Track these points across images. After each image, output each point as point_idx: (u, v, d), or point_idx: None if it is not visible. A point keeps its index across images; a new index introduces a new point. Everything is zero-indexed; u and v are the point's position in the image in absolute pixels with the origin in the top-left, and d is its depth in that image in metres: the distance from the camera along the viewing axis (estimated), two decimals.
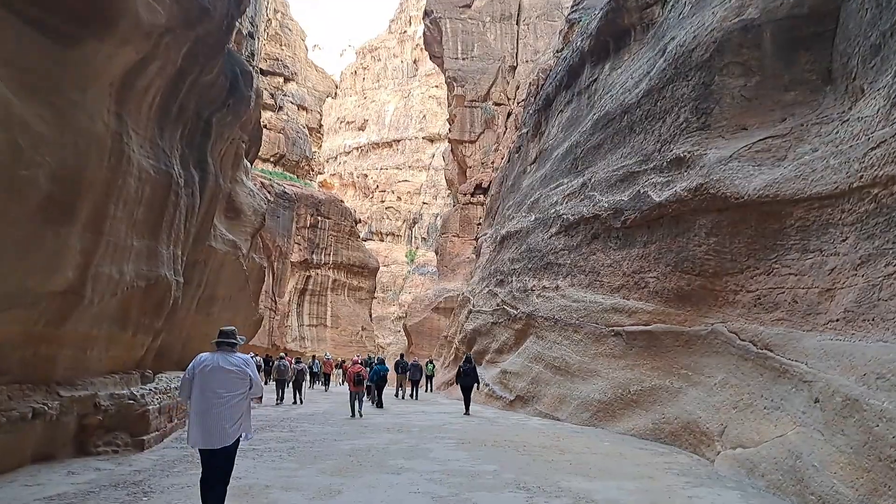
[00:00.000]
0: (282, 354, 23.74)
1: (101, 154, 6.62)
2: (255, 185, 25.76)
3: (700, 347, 9.50)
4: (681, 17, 12.80)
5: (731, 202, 8.91)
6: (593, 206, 14.03)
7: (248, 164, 18.47)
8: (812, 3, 9.19)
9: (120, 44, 6.40)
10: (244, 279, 17.05)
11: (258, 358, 24.31)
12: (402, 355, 27.02)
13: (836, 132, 7.61)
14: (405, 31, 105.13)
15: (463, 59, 42.34)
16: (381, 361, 17.66)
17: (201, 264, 14.98)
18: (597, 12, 20.84)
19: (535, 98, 29.65)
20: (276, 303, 41.22)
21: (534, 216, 19.07)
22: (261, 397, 20.22)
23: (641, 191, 11.78)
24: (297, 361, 22.55)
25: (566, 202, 16.27)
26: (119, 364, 9.26)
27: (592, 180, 14.81)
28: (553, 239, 16.25)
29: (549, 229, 16.81)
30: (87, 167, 6.37)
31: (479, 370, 17.08)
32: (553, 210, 16.96)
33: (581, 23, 25.83)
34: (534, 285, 16.68)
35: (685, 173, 10.36)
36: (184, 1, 7.25)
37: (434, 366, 25.70)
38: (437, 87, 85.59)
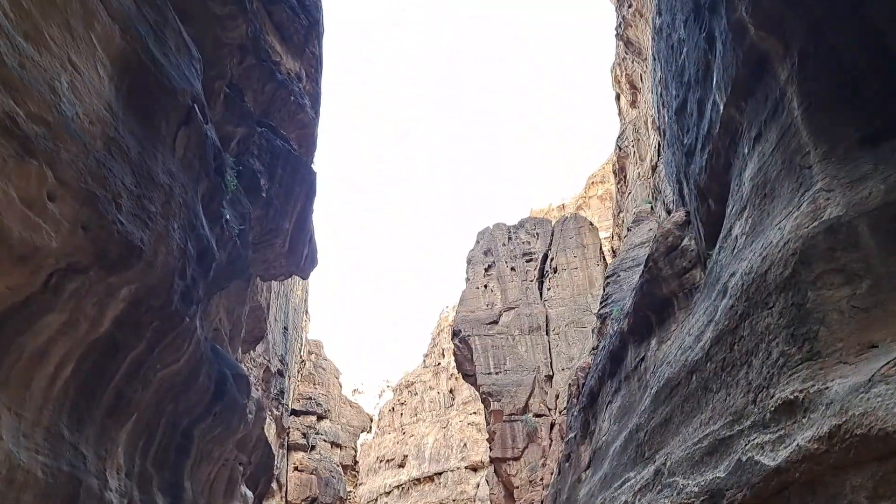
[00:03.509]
0: None
1: None
2: None
3: None
4: (735, 252, 11.00)
5: None
6: (678, 495, 10.76)
7: (249, 492, 15.54)
8: None
9: None
10: None
11: None
12: None
13: None
14: (439, 364, 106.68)
15: (496, 373, 40.96)
16: None
17: None
18: (630, 292, 19.50)
19: (577, 398, 27.27)
20: None
21: None
22: None
23: (743, 458, 8.75)
24: None
25: (639, 500, 12.88)
26: None
27: (668, 464, 11.70)
28: None
29: None
30: None
31: None
32: None
33: (613, 314, 24.59)
34: None
35: (805, 419, 7.50)
36: (94, 227, 5.42)
37: None
38: (475, 413, 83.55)
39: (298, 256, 15.89)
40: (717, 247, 12.21)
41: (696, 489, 9.93)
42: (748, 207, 10.57)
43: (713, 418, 10.12)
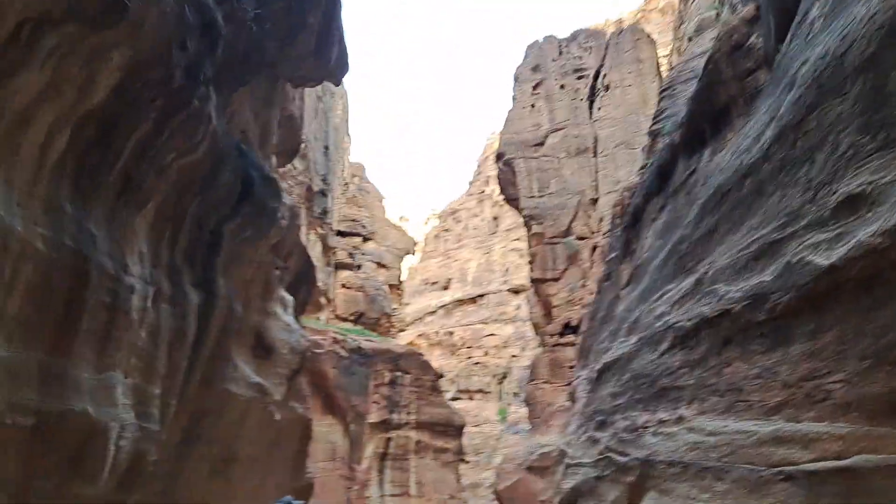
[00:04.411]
0: None
1: None
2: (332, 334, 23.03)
3: None
4: (809, 38, 9.72)
5: None
6: (718, 301, 10.35)
7: (288, 296, 15.84)
8: None
9: None
10: (276, 434, 13.77)
11: None
12: None
13: None
14: (483, 191, 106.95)
15: (539, 196, 40.43)
16: None
17: (213, 414, 11.91)
18: (686, 99, 18.24)
19: (620, 219, 26.76)
20: (353, 470, 37.28)
21: (635, 337, 15.32)
22: None
23: (793, 260, 8.14)
24: None
25: (676, 309, 12.58)
26: None
27: (710, 273, 11.23)
28: (665, 357, 12.41)
29: (657, 347, 13.03)
30: None
31: None
32: (660, 323, 13.27)
33: (665, 130, 23.31)
34: (646, 420, 12.63)
35: (870, 214, 6.76)
36: None
37: None
38: (517, 239, 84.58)
39: (327, 58, 14.90)
40: (789, 36, 10.87)
41: (739, 294, 9.48)
42: None
43: (764, 222, 9.44)
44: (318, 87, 39.39)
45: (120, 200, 7.14)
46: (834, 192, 7.67)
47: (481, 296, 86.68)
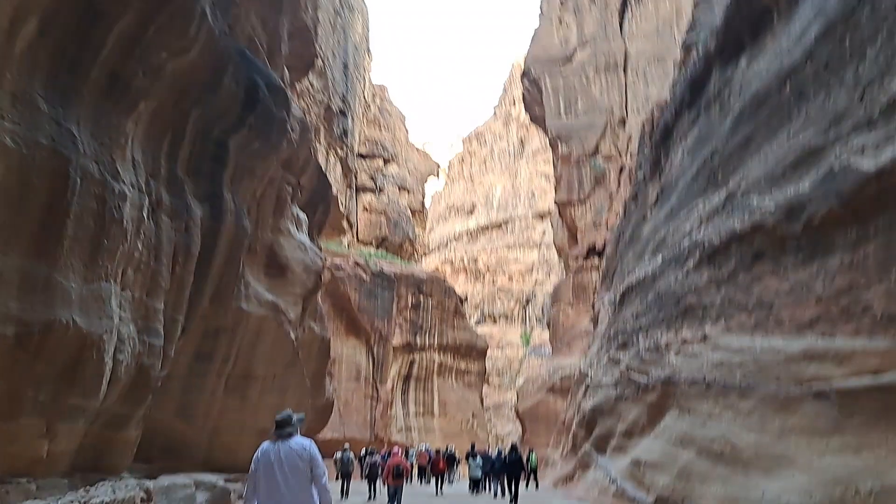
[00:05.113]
0: (372, 449, 20.63)
1: None
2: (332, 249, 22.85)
3: None
4: None
5: None
6: (749, 214, 9.77)
7: (303, 214, 15.45)
8: None
9: None
10: (293, 352, 13.64)
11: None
12: (473, 445, 22.55)
13: None
14: (510, 113, 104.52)
15: (566, 115, 39.10)
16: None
17: (226, 332, 11.74)
18: (723, 7, 16.99)
19: (650, 136, 25.74)
20: (377, 391, 37.87)
21: (660, 256, 14.79)
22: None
23: (836, 167, 7.52)
24: (371, 453, 18.56)
25: (705, 226, 12.01)
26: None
27: (743, 185, 10.60)
28: (692, 275, 11.93)
29: (683, 265, 12.54)
30: None
31: (603, 461, 12.86)
32: (687, 240, 12.74)
33: (700, 40, 22.04)
34: (669, 340, 12.25)
35: None
36: None
37: (536, 456, 21.87)
38: (544, 162, 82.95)
39: None
40: None
41: (773, 206, 8.87)
42: None
43: (804, 128, 8.72)
44: (336, 1, 38.00)
45: (106, 100, 6.63)
46: (883, 89, 6.96)
47: (506, 221, 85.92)
